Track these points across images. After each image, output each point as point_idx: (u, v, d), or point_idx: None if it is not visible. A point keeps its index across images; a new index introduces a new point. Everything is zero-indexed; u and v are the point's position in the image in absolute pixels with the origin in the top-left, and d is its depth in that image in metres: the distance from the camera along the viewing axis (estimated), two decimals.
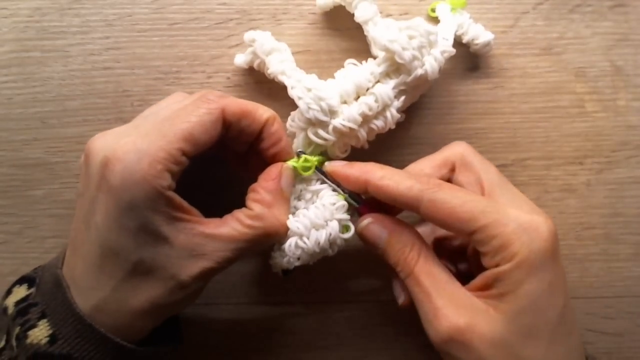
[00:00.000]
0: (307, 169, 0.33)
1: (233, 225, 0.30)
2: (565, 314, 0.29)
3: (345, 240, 0.33)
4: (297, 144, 0.34)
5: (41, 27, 0.36)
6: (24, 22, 0.36)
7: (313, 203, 0.33)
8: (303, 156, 0.33)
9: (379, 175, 0.31)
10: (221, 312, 0.37)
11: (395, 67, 0.32)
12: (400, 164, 0.33)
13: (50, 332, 0.28)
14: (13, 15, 0.36)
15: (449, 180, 0.33)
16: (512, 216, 0.28)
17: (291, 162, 0.33)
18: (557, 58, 0.37)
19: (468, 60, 0.37)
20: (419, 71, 0.32)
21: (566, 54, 0.37)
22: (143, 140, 0.28)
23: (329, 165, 0.33)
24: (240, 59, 0.35)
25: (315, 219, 0.32)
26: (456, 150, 0.33)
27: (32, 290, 0.30)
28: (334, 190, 0.33)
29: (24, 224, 0.37)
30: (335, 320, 0.38)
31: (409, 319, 0.38)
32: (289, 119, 0.34)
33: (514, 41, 0.37)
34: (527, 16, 0.37)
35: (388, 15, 0.37)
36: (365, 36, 0.36)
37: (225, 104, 0.30)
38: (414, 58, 0.32)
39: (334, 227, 0.32)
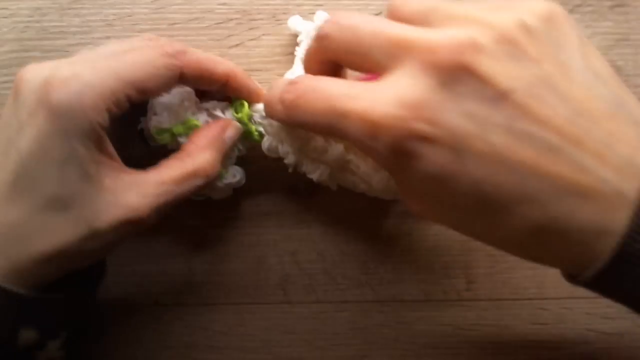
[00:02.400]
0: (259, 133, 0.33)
1: (160, 169, 0.30)
2: (481, 186, 0.22)
3: None
4: None
5: (41, 27, 0.36)
6: (24, 22, 0.36)
7: None
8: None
9: (268, 111, 0.29)
10: (221, 312, 0.37)
11: None
12: None
13: None
14: (13, 15, 0.36)
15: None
16: (354, 120, 0.23)
17: (242, 115, 0.33)
18: None
19: None
20: None
21: None
22: (91, 72, 0.27)
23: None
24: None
25: None
26: (319, 43, 0.26)
27: None
28: None
29: None
30: (335, 320, 0.38)
31: (409, 319, 0.38)
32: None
33: None
34: None
35: None
36: None
37: (185, 64, 0.29)
38: None
39: None
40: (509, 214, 0.22)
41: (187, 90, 0.32)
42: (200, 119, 0.33)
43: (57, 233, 0.27)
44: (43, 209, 0.27)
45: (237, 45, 0.36)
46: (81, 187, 0.27)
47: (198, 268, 0.37)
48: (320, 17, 0.35)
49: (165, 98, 0.32)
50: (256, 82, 0.34)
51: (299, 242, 0.37)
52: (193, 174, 0.30)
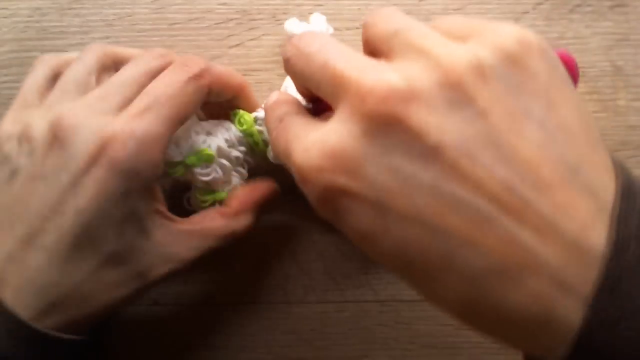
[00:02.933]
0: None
1: (204, 221, 0.30)
2: (396, 242, 0.20)
3: None
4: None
5: (41, 27, 0.36)
6: (24, 22, 0.36)
7: None
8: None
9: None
10: (221, 312, 0.37)
11: None
12: None
13: None
14: (13, 15, 0.36)
15: None
16: (291, 160, 0.22)
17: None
18: None
19: None
20: None
21: None
22: (142, 125, 0.26)
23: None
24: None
25: None
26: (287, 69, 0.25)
27: None
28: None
29: None
30: (335, 320, 0.38)
31: (409, 319, 0.38)
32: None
33: None
34: (527, 16, 0.37)
35: None
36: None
37: (211, 82, 0.29)
38: None
39: None
40: (438, 282, 0.19)
41: (194, 119, 0.32)
42: (212, 145, 0.31)
43: (115, 288, 0.27)
44: (102, 266, 0.27)
45: (237, 45, 0.36)
46: (138, 243, 0.27)
47: (198, 268, 0.37)
48: (316, 19, 0.34)
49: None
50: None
51: (299, 242, 0.37)
52: (232, 234, 0.31)
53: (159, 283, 0.29)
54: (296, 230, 0.37)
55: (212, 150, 0.31)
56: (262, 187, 0.33)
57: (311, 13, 0.36)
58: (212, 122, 0.32)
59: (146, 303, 0.37)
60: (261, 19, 0.37)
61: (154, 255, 0.28)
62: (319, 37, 0.23)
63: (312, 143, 0.20)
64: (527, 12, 0.37)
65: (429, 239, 0.19)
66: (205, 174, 0.31)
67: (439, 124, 0.18)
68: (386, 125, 0.19)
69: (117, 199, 0.26)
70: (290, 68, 0.24)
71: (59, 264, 0.26)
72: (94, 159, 0.26)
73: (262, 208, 0.32)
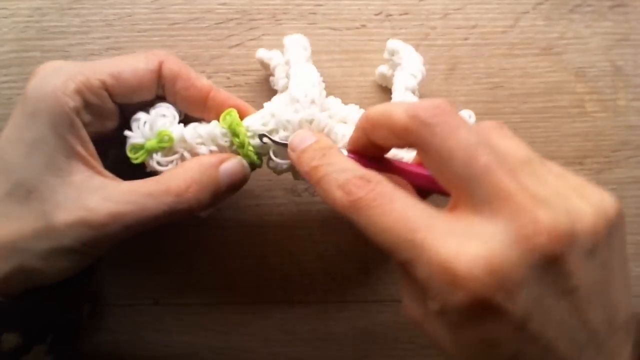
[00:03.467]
0: (259, 156, 0.30)
1: (134, 181, 0.28)
2: None
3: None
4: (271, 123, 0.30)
5: (41, 27, 0.36)
6: (24, 22, 0.36)
7: None
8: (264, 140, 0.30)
9: (314, 180, 0.26)
10: (221, 312, 0.37)
11: None
12: None
13: None
14: (13, 15, 0.36)
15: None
16: (428, 257, 0.21)
17: (245, 151, 0.30)
18: (557, 58, 0.37)
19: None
20: None
21: (566, 54, 0.37)
22: (71, 64, 0.28)
23: (291, 157, 0.28)
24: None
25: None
26: (411, 122, 0.23)
27: None
28: None
29: None
30: (335, 320, 0.38)
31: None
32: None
33: (514, 41, 0.37)
34: (527, 16, 0.37)
35: (388, 16, 0.37)
36: (364, 37, 0.36)
37: (166, 59, 0.29)
38: None
39: None
40: None
41: (164, 104, 0.31)
42: (175, 131, 0.30)
43: (13, 222, 0.26)
44: (7, 196, 0.26)
45: (237, 45, 0.36)
46: (46, 177, 0.26)
47: (198, 268, 0.37)
48: (290, 41, 0.33)
49: (142, 113, 0.30)
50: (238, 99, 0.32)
51: (299, 242, 0.37)
52: (165, 192, 0.27)
53: (74, 237, 0.26)
54: (296, 230, 0.37)
55: (174, 135, 0.29)
56: (219, 154, 0.30)
57: (311, 13, 0.36)
58: (196, 123, 0.31)
59: (146, 303, 0.37)
60: (261, 19, 0.37)
61: (63, 197, 0.26)
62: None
63: (475, 253, 0.21)
64: (527, 12, 0.37)
65: (540, 353, 0.22)
66: (163, 163, 0.30)
67: (583, 267, 0.21)
68: (551, 261, 0.21)
69: (26, 121, 0.26)
70: (429, 133, 0.23)
71: None
72: (24, 92, 0.28)
73: (214, 176, 0.29)
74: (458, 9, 0.37)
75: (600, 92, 0.38)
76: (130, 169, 0.30)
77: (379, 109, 0.25)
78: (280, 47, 0.35)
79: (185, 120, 0.31)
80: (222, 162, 0.29)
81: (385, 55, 0.35)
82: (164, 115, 0.30)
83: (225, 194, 0.30)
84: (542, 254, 0.21)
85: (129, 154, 0.30)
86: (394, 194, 0.24)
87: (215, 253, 0.37)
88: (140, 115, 0.30)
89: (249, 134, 0.30)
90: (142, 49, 0.36)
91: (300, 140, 0.28)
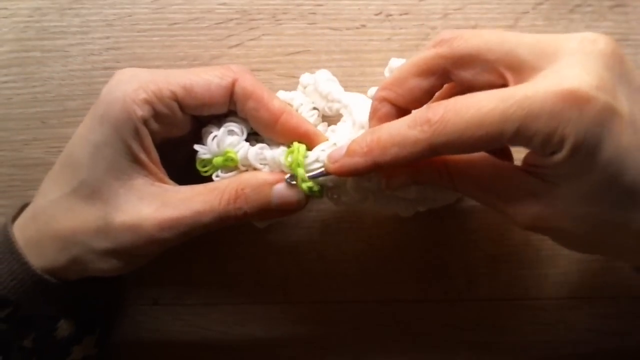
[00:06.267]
0: (313, 191, 0.30)
1: (192, 187, 0.29)
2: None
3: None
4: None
5: (41, 27, 0.36)
6: (24, 22, 0.36)
7: None
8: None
9: (382, 148, 0.26)
10: (221, 312, 0.37)
11: None
12: None
13: None
14: (13, 15, 0.36)
15: (442, 85, 0.28)
16: (540, 101, 0.23)
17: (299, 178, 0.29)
18: None
19: None
20: None
21: None
22: (146, 72, 0.28)
23: (334, 167, 0.28)
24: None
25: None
26: (440, 50, 0.26)
27: None
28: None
29: None
30: (335, 320, 0.38)
31: (409, 319, 0.38)
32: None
33: None
34: (527, 16, 0.37)
35: (388, 16, 0.37)
36: (364, 37, 0.36)
37: (241, 77, 0.29)
38: None
39: None
40: None
41: (235, 121, 0.31)
42: (241, 152, 0.30)
43: (76, 217, 0.28)
44: (73, 191, 0.28)
45: (237, 45, 0.36)
46: (108, 179, 0.27)
47: (198, 268, 0.37)
48: (305, 79, 0.33)
49: (213, 127, 0.31)
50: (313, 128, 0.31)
51: (299, 242, 0.37)
52: (217, 200, 0.29)
53: (129, 238, 0.27)
54: (296, 230, 0.37)
55: (238, 156, 0.30)
56: (272, 174, 0.30)
57: (311, 13, 0.36)
58: (265, 144, 0.31)
59: (146, 303, 0.37)
60: (261, 19, 0.37)
61: (124, 199, 0.28)
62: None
63: (573, 75, 0.23)
64: (527, 12, 0.37)
65: None
66: (224, 176, 0.31)
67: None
68: (618, 60, 0.24)
69: (96, 122, 0.28)
70: (460, 44, 0.26)
71: (49, 180, 0.29)
72: (102, 92, 0.29)
73: (264, 199, 0.30)
74: (458, 9, 0.37)
75: None
76: (196, 170, 0.31)
77: (407, 62, 0.28)
78: (281, 46, 0.35)
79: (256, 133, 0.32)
80: (277, 182, 0.30)
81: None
82: (232, 131, 0.31)
83: (276, 214, 0.30)
84: (608, 54, 0.24)
85: (198, 167, 0.31)
86: (466, 95, 0.25)
87: (215, 253, 0.37)
88: (211, 129, 0.31)
89: (308, 174, 0.29)
90: (142, 49, 0.36)
91: (337, 151, 0.28)
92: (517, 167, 0.27)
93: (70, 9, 0.36)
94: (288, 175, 0.30)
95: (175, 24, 0.36)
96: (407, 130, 0.25)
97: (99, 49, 0.36)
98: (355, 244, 0.37)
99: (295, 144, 0.30)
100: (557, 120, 0.23)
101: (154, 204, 0.28)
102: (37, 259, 0.28)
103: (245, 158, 0.30)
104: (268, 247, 0.37)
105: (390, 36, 0.37)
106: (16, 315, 0.28)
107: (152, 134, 0.28)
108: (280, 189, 0.29)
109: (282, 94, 0.34)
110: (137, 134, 0.27)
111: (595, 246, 0.27)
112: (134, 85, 0.27)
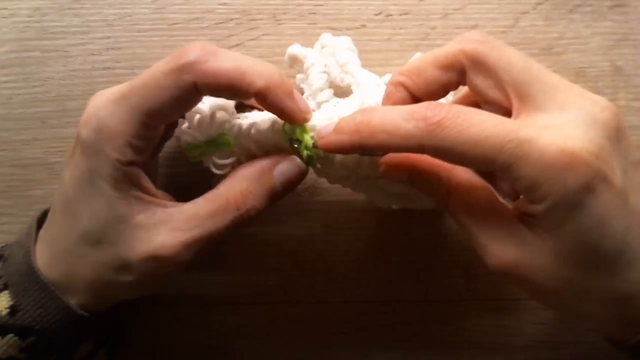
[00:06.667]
0: (309, 158, 0.29)
1: (196, 202, 0.28)
2: (629, 235, 0.24)
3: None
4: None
5: (41, 27, 0.36)
6: (24, 22, 0.36)
7: None
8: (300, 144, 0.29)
9: (370, 132, 0.25)
10: (221, 312, 0.37)
11: None
12: None
13: (11, 303, 0.28)
14: (13, 15, 0.36)
15: (458, 84, 0.28)
16: (538, 150, 0.23)
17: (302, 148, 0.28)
18: (557, 58, 0.37)
19: None
20: None
21: (566, 54, 0.37)
22: (106, 106, 0.27)
23: (321, 141, 0.27)
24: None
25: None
26: (465, 45, 0.26)
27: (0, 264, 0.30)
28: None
29: (24, 224, 0.37)
30: (335, 320, 0.38)
31: (409, 319, 0.38)
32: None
33: (514, 41, 0.37)
34: (527, 16, 0.37)
35: (388, 16, 0.37)
36: (364, 37, 0.36)
37: (200, 76, 0.25)
38: None
39: None
40: (629, 270, 0.24)
41: (220, 100, 0.29)
42: (235, 128, 0.29)
43: (93, 263, 0.28)
44: (80, 239, 0.28)
45: (237, 45, 0.36)
46: (112, 224, 0.27)
47: (198, 268, 0.37)
48: (342, 44, 0.32)
49: (196, 109, 0.29)
50: (299, 98, 0.28)
51: (299, 242, 0.37)
52: (225, 208, 0.28)
53: (148, 269, 0.27)
54: (296, 230, 0.37)
55: (232, 135, 0.29)
56: (272, 157, 0.29)
57: (311, 13, 0.36)
58: (255, 113, 0.30)
59: (146, 303, 0.37)
60: (261, 19, 0.37)
61: (132, 237, 0.27)
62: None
63: (578, 133, 0.24)
64: (527, 12, 0.37)
65: (636, 229, 0.25)
66: (220, 167, 0.30)
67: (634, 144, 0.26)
68: (620, 134, 0.25)
69: (84, 176, 0.27)
70: (478, 54, 0.26)
71: (52, 226, 0.29)
72: (76, 136, 0.28)
73: (270, 180, 0.29)
74: (458, 9, 0.37)
75: (600, 92, 0.37)
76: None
77: (424, 55, 0.28)
78: (281, 46, 0.35)
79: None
80: (275, 164, 0.29)
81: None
82: (220, 108, 0.29)
83: (282, 194, 0.30)
84: (613, 126, 0.24)
85: (186, 153, 0.30)
86: (471, 109, 0.25)
87: (216, 253, 0.37)
88: (195, 111, 0.29)
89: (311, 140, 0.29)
90: (142, 49, 0.36)
91: (327, 127, 0.28)
92: (510, 210, 0.27)
93: (70, 9, 0.36)
94: (289, 139, 0.29)
95: (175, 24, 0.36)
96: (401, 121, 0.25)
97: (99, 49, 0.36)
98: (355, 244, 0.37)
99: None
100: (548, 174, 0.23)
101: (164, 231, 0.28)
102: (70, 298, 0.28)
103: (240, 138, 0.29)
104: (268, 247, 0.37)
105: (390, 36, 0.37)
106: (39, 344, 0.28)
107: (141, 161, 0.28)
108: (281, 170, 0.29)
109: (297, 49, 0.33)
110: (126, 176, 0.27)
111: (562, 306, 0.27)
112: (107, 133, 0.26)
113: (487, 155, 0.23)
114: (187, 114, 0.30)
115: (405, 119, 0.25)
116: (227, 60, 0.26)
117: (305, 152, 0.29)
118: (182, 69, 0.26)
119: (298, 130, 0.28)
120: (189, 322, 0.37)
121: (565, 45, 0.37)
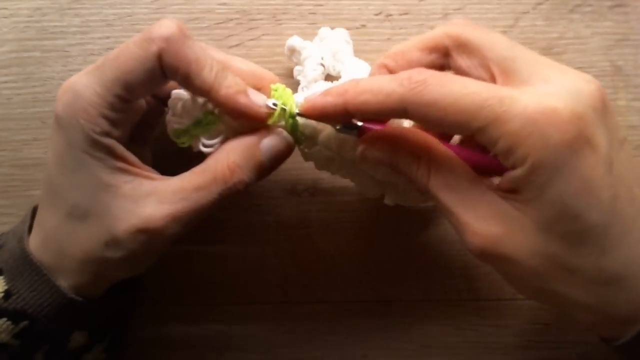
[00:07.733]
0: (293, 127, 0.29)
1: (183, 176, 0.28)
2: (617, 207, 0.23)
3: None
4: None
5: (41, 27, 0.36)
6: (24, 22, 0.36)
7: None
8: (279, 106, 0.28)
9: (355, 92, 0.26)
10: (221, 312, 0.37)
11: None
12: None
13: (5, 287, 0.28)
14: (13, 15, 0.36)
15: (442, 67, 0.28)
16: (520, 106, 0.23)
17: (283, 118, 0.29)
18: (557, 58, 0.37)
19: None
20: None
21: (566, 54, 0.37)
22: (80, 79, 0.27)
23: (306, 104, 0.28)
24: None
25: None
26: (449, 28, 0.27)
27: None
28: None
29: None
30: (336, 320, 0.38)
31: (409, 319, 0.38)
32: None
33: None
34: (527, 16, 0.37)
35: (388, 16, 0.37)
36: (364, 37, 0.36)
37: (163, 50, 0.26)
38: None
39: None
40: (617, 246, 0.24)
41: None
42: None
43: (82, 240, 0.28)
44: (68, 216, 0.28)
45: (237, 45, 0.36)
46: (96, 196, 0.27)
47: (198, 268, 0.37)
48: (336, 36, 0.33)
49: (178, 95, 0.29)
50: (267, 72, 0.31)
51: (299, 242, 0.37)
52: (212, 181, 0.28)
53: (137, 244, 0.27)
54: (296, 230, 0.37)
55: (217, 113, 0.29)
56: (259, 131, 0.29)
57: (311, 13, 0.36)
58: None
59: (146, 303, 0.37)
60: (261, 19, 0.37)
61: (119, 209, 0.27)
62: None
63: (563, 95, 0.24)
64: (527, 12, 0.37)
65: (628, 197, 0.24)
66: (209, 145, 0.30)
67: (620, 125, 0.27)
68: (605, 108, 0.25)
69: (64, 150, 0.27)
70: (468, 32, 0.27)
71: (42, 206, 0.29)
72: (54, 118, 0.28)
73: (257, 153, 0.29)
74: (458, 9, 0.37)
75: None
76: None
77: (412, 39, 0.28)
78: (281, 46, 0.35)
79: None
80: (262, 138, 0.29)
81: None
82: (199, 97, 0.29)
83: (270, 168, 0.30)
84: (598, 98, 0.24)
85: (174, 139, 0.30)
86: (451, 74, 0.25)
87: (215, 253, 0.37)
88: (177, 97, 0.29)
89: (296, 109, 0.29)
90: None
91: (315, 94, 0.28)
92: (494, 186, 0.26)
93: (70, 9, 0.36)
94: (272, 102, 0.28)
95: None
96: (387, 82, 0.25)
97: (99, 49, 0.36)
98: (355, 243, 0.37)
99: (279, 85, 0.30)
100: (528, 129, 0.23)
101: (151, 202, 0.27)
102: (62, 280, 0.28)
103: (225, 114, 0.29)
104: (268, 247, 0.37)
105: (390, 36, 0.37)
106: (32, 330, 0.28)
107: (119, 135, 0.28)
108: (267, 144, 0.29)
109: (296, 40, 0.34)
110: (106, 148, 0.27)
111: (545, 292, 0.26)
112: (80, 104, 0.26)
113: (469, 111, 0.23)
114: (170, 102, 0.30)
115: (391, 79, 0.25)
116: (195, 45, 0.27)
117: (289, 121, 0.29)
118: (149, 41, 0.26)
119: (283, 97, 0.29)
120: (189, 322, 0.37)
121: (565, 45, 0.37)
